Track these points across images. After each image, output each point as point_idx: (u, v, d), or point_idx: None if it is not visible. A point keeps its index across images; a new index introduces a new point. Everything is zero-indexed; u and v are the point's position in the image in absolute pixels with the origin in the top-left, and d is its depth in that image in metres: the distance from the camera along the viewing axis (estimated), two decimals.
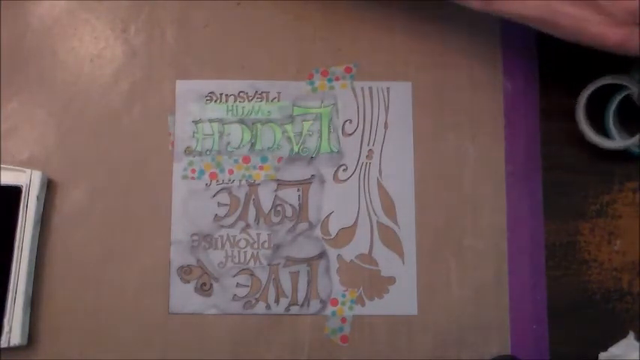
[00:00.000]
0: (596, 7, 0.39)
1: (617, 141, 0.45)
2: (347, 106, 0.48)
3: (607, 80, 0.45)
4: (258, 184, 0.48)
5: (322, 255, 0.47)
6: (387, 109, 0.48)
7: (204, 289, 0.46)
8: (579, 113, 0.45)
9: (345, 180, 0.48)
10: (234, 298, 0.46)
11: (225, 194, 0.47)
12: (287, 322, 0.46)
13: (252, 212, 0.47)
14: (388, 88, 0.48)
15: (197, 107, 0.48)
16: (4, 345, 0.44)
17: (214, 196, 0.47)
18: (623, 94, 0.46)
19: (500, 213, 0.47)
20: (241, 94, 0.48)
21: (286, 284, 0.47)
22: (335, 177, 0.48)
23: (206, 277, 0.47)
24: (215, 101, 0.48)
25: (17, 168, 0.46)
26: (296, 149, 0.48)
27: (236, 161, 0.48)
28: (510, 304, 0.46)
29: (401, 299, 0.46)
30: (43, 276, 0.46)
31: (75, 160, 0.48)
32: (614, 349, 0.45)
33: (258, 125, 0.48)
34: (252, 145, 0.48)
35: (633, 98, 0.45)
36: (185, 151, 0.48)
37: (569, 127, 0.48)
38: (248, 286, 0.47)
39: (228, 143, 0.48)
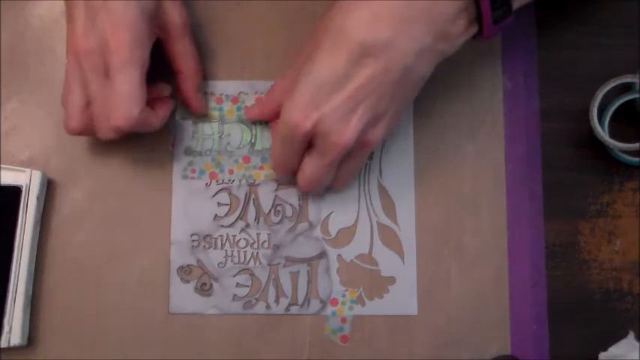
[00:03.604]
0: None
1: (632, 144, 0.45)
2: None
3: (622, 80, 0.45)
4: (258, 184, 0.48)
5: (322, 255, 0.47)
6: None
7: (204, 289, 0.46)
8: (593, 112, 0.45)
9: None
10: (234, 298, 0.46)
11: (225, 194, 0.47)
12: (287, 322, 0.46)
13: (252, 212, 0.47)
14: None
15: None
16: (4, 345, 0.44)
17: (214, 196, 0.47)
18: (623, 99, 0.46)
19: (500, 213, 0.47)
20: (241, 94, 0.48)
21: (286, 284, 0.47)
22: None
23: (206, 277, 0.47)
24: (215, 101, 0.48)
25: (17, 168, 0.46)
26: None
27: (236, 161, 0.48)
28: (510, 304, 0.46)
29: (401, 299, 0.46)
30: (43, 276, 0.46)
31: (75, 160, 0.48)
32: (614, 349, 0.45)
33: (258, 125, 0.48)
34: (252, 145, 0.48)
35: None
36: (185, 151, 0.48)
37: (569, 127, 0.48)
38: (248, 286, 0.47)
39: (228, 143, 0.48)
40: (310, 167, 0.43)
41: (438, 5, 0.38)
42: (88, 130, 0.43)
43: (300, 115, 0.40)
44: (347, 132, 0.40)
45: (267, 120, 0.47)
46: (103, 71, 0.41)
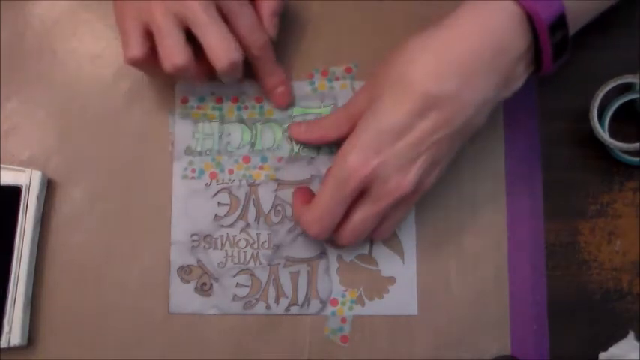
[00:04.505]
0: None
1: (632, 144, 0.45)
2: None
3: (622, 80, 0.45)
4: (258, 184, 0.48)
5: (322, 255, 0.47)
6: None
7: (204, 289, 0.46)
8: (593, 112, 0.45)
9: None
10: (234, 298, 0.46)
11: (225, 194, 0.47)
12: (287, 322, 0.46)
13: (252, 212, 0.47)
14: None
15: (197, 107, 0.48)
16: (4, 345, 0.44)
17: (214, 196, 0.47)
18: (623, 99, 0.46)
19: (500, 213, 0.47)
20: (241, 94, 0.48)
21: (286, 284, 0.47)
22: None
23: (206, 277, 0.47)
24: (215, 101, 0.48)
25: (17, 168, 0.46)
26: (296, 149, 0.48)
27: (236, 161, 0.48)
28: (510, 304, 0.46)
29: (401, 299, 0.46)
30: (43, 276, 0.46)
31: (75, 160, 0.48)
32: (614, 349, 0.45)
33: (258, 125, 0.48)
34: (252, 145, 0.48)
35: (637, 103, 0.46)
36: (185, 151, 0.48)
37: (569, 127, 0.48)
38: (248, 286, 0.47)
39: (228, 143, 0.48)
40: (359, 215, 0.41)
41: (502, 54, 0.38)
42: (149, 61, 0.42)
43: (359, 159, 0.39)
44: (405, 180, 0.40)
45: (307, 143, 0.47)
46: (175, 23, 0.41)
